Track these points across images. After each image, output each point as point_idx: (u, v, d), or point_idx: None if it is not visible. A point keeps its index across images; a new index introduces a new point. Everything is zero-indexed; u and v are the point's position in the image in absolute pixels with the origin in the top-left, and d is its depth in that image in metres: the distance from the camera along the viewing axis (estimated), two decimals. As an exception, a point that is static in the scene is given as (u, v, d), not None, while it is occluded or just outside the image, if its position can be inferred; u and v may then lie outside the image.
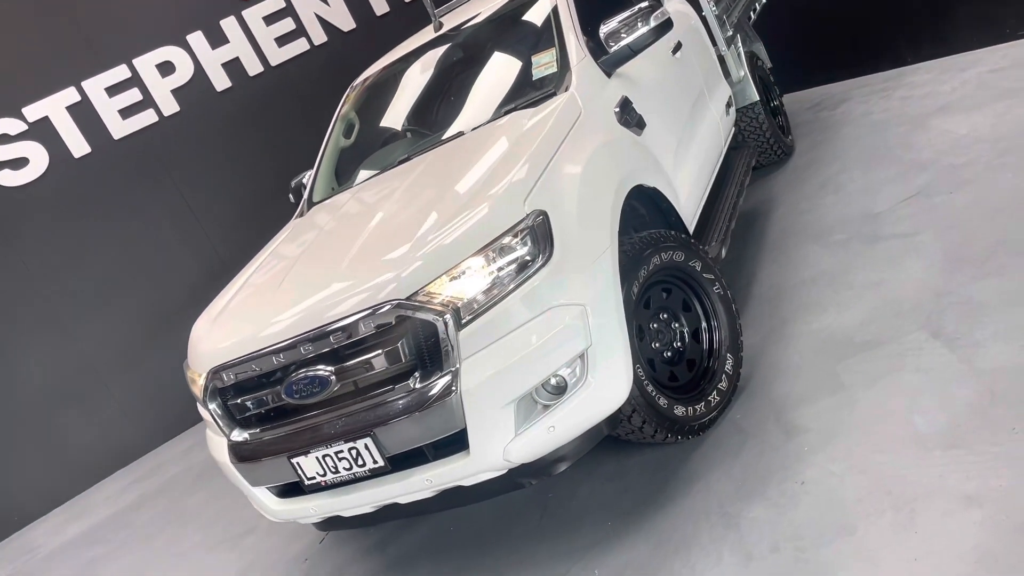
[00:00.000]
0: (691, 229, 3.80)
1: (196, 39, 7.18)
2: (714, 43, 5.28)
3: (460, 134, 3.67)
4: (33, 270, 6.69)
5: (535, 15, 4.02)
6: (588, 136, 3.20)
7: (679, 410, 3.13)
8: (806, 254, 4.33)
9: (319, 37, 7.63)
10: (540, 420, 2.67)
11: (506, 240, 2.70)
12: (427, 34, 4.52)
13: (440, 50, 4.35)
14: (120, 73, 6.94)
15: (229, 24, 7.29)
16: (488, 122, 3.59)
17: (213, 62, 7.24)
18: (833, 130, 6.13)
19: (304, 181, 4.51)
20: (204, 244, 7.26)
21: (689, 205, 3.79)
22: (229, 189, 7.34)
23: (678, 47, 4.43)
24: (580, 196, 2.90)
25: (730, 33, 5.44)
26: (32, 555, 6.12)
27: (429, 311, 2.62)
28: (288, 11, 7.52)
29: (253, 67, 7.40)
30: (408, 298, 2.64)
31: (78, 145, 6.82)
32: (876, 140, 5.37)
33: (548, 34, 3.85)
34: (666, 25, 3.68)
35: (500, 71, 3.98)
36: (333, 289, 2.85)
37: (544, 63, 3.70)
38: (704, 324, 3.37)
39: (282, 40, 7.51)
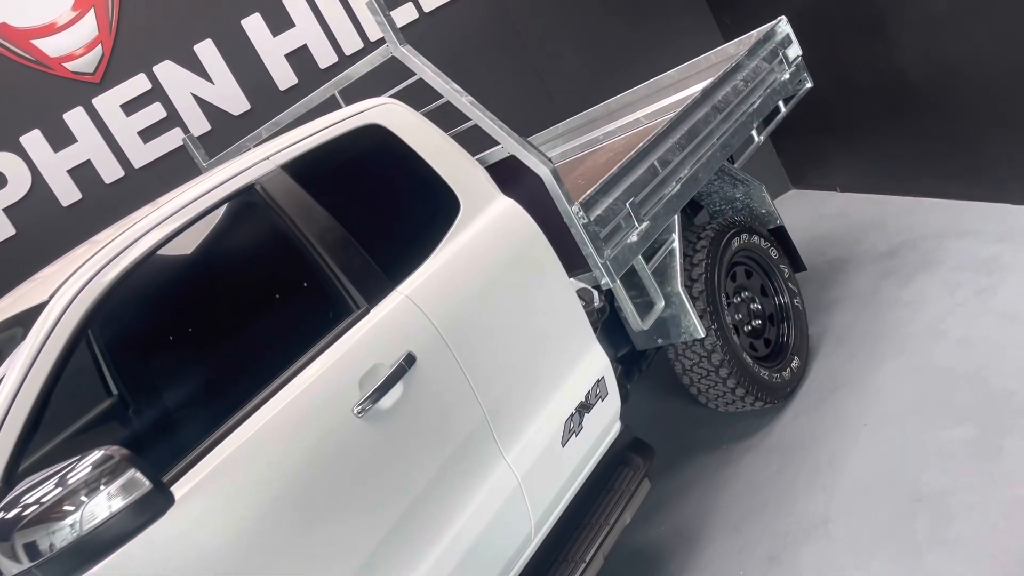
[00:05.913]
0: None
1: (33, 140, 5.48)
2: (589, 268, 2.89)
3: None
4: None
5: None
6: None
7: None
8: None
9: (200, 126, 5.70)
10: None
11: None
12: None
13: None
14: (-64, 191, 5.44)
15: (76, 117, 5.52)
16: None
17: (56, 169, 5.53)
18: (873, 355, 3.56)
19: None
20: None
21: None
22: (86, 328, 5.72)
23: (400, 374, 2.17)
24: None
25: (636, 237, 3.01)
26: None
27: None
28: (156, 94, 5.64)
29: (111, 172, 5.62)
30: None
31: None
32: (905, 461, 2.94)
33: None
34: (152, 505, 1.52)
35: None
36: None
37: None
38: None
39: (149, 133, 5.65)
